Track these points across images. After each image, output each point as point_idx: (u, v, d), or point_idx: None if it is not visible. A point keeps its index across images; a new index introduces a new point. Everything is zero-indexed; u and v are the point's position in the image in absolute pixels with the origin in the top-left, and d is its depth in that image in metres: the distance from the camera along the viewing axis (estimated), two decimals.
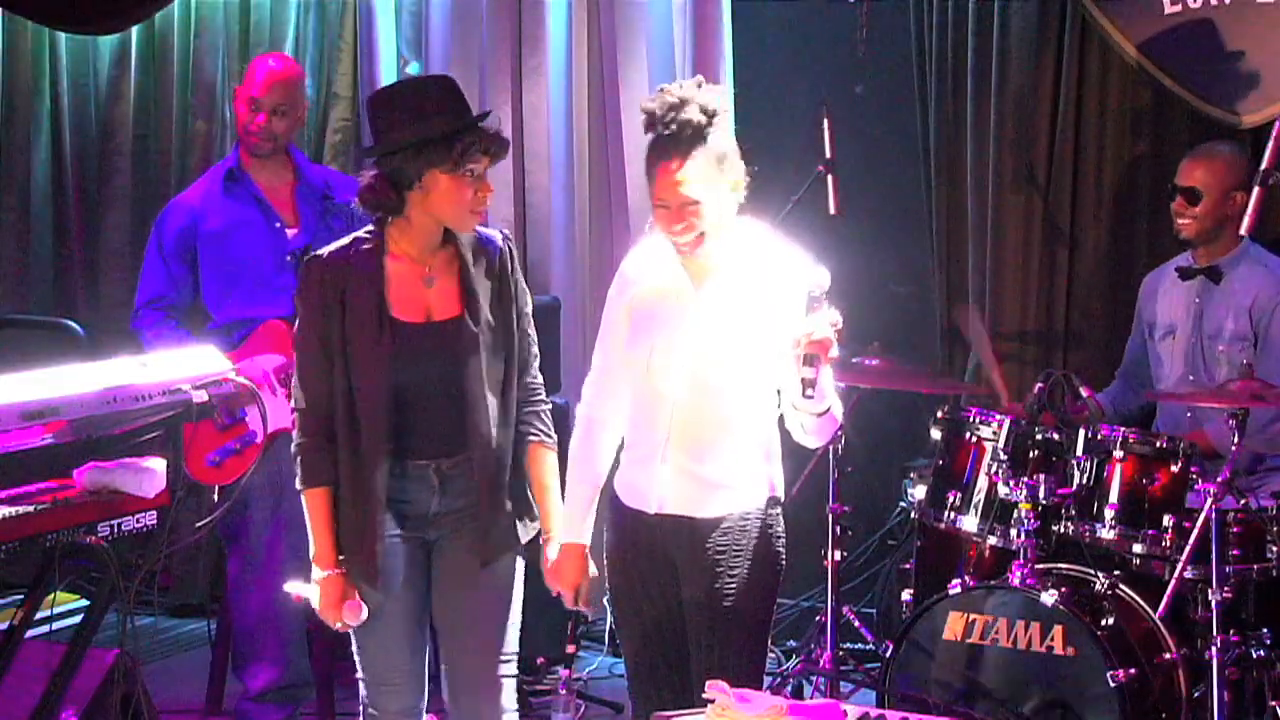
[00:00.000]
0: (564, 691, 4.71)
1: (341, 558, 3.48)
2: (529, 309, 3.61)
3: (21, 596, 3.50)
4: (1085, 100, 5.14)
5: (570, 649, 4.92)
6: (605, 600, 3.62)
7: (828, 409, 3.26)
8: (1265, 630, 4.26)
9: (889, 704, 4.31)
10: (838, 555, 4.76)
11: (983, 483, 4.45)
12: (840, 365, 3.37)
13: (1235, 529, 4.21)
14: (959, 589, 4.30)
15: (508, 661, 3.58)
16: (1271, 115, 4.57)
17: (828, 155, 5.00)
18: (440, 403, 3.46)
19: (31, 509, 3.21)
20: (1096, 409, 4.56)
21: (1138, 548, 4.27)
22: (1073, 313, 5.24)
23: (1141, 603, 4.28)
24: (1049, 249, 5.23)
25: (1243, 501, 4.18)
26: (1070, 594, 4.21)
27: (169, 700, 4.92)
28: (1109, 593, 4.28)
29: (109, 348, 4.58)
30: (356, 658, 3.58)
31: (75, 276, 6.35)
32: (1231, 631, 4.13)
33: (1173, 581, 4.19)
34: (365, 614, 3.47)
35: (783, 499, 3.48)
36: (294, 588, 3.71)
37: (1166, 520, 4.22)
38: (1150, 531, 4.24)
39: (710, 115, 3.26)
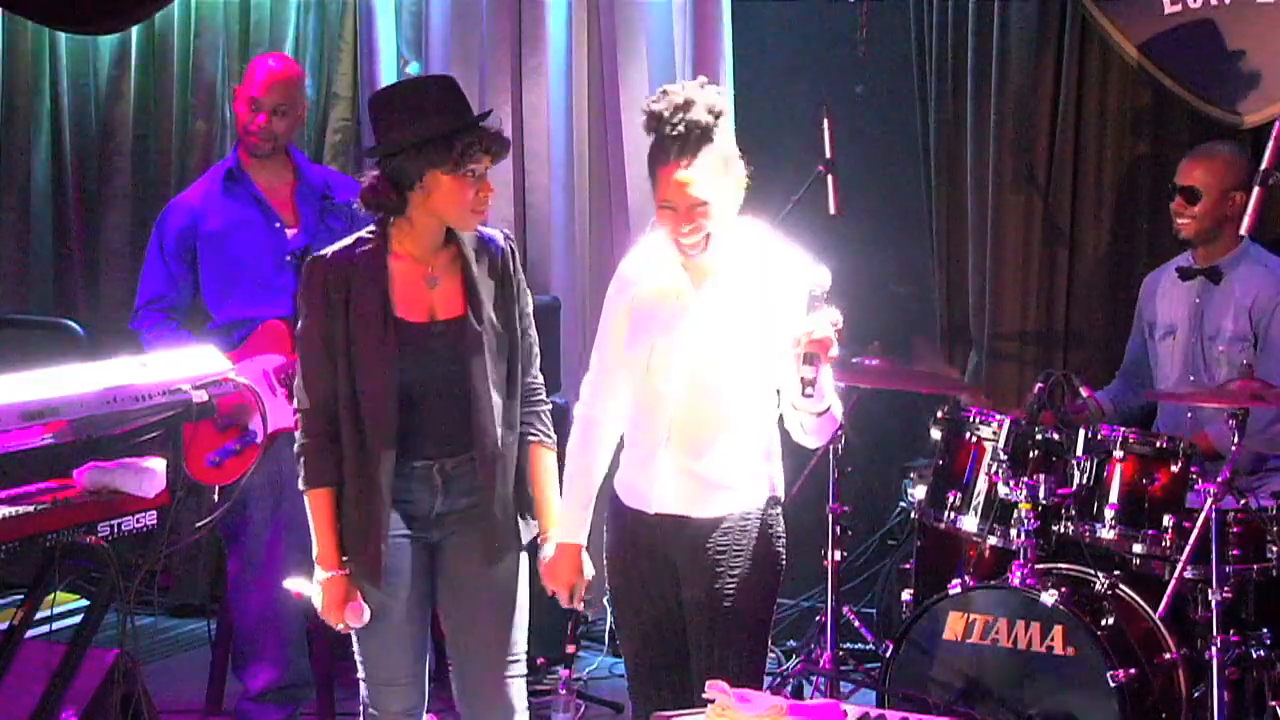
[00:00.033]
0: (564, 691, 4.72)
1: (345, 559, 3.48)
2: (530, 309, 3.61)
3: (21, 596, 3.49)
4: (1085, 100, 5.14)
5: (570, 649, 4.92)
6: (605, 600, 3.63)
7: (828, 408, 3.26)
8: (1265, 630, 4.26)
9: (889, 704, 4.31)
10: (838, 555, 4.76)
11: (983, 483, 4.45)
12: (840, 365, 3.36)
13: (1235, 529, 4.21)
14: (959, 589, 4.30)
15: (516, 661, 3.59)
16: (1272, 115, 4.57)
17: (828, 155, 5.00)
18: (444, 403, 3.46)
19: (31, 509, 3.21)
20: (1096, 409, 4.56)
21: (1138, 548, 4.27)
22: (1073, 313, 5.24)
23: (1141, 603, 4.28)
24: (1049, 249, 5.23)
25: (1243, 501, 4.19)
26: (1070, 594, 4.21)
27: (169, 700, 4.92)
28: (1109, 593, 4.28)
29: (109, 348, 4.58)
30: (358, 658, 3.58)
31: (75, 276, 6.35)
32: (1231, 631, 4.13)
33: (1173, 581, 4.19)
34: (368, 615, 3.47)
35: (783, 499, 3.48)
36: (294, 584, 3.71)
37: (1166, 520, 4.22)
38: (1150, 531, 4.25)
39: (717, 116, 3.26)
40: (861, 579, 5.55)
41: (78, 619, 3.60)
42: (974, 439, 4.50)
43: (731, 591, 3.37)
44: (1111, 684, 4.04)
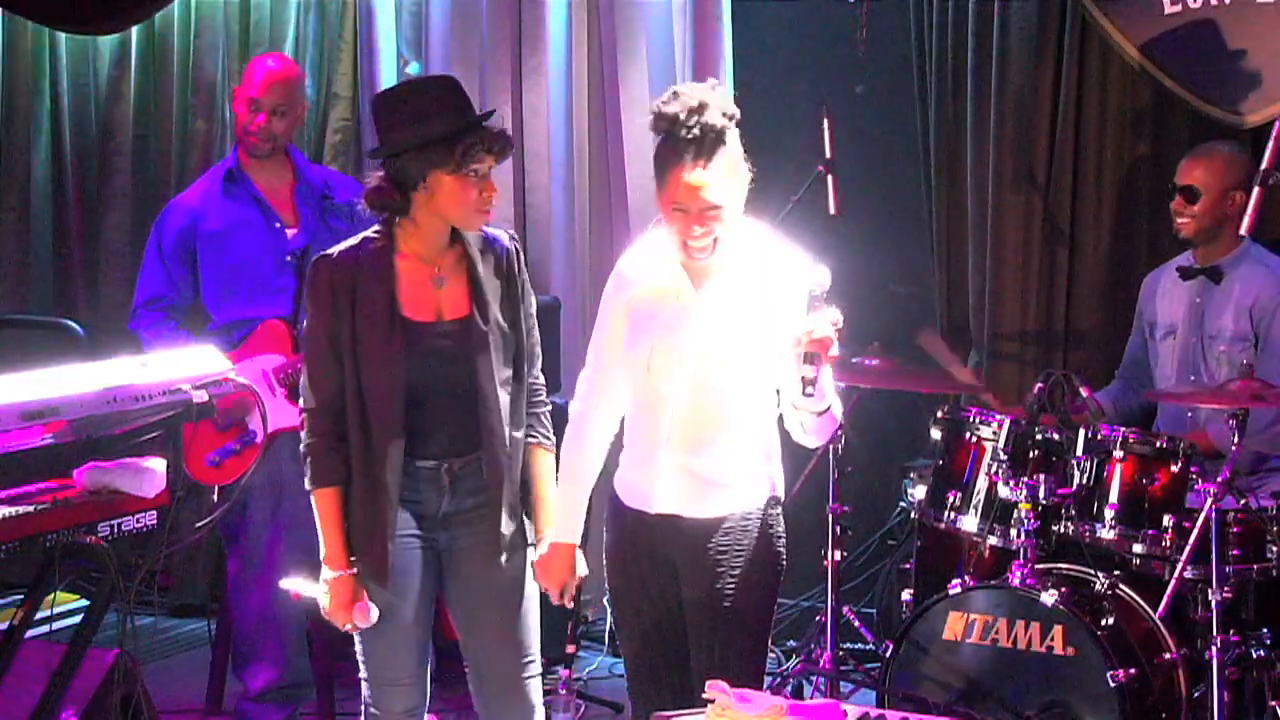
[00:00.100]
0: (564, 691, 4.72)
1: (352, 559, 3.48)
2: (534, 309, 3.62)
3: (21, 596, 3.50)
4: (1085, 100, 5.14)
5: (570, 649, 4.92)
6: (605, 600, 3.63)
7: (828, 408, 3.26)
8: (1265, 630, 4.26)
9: (889, 704, 4.31)
10: (838, 555, 4.76)
11: (983, 483, 4.45)
12: (840, 365, 3.36)
13: (1235, 529, 4.21)
14: (959, 589, 4.30)
15: (532, 661, 3.62)
16: (1272, 115, 4.57)
17: (828, 155, 5.00)
18: (451, 402, 3.47)
19: (31, 509, 3.21)
20: (1096, 409, 4.56)
21: (1138, 548, 4.27)
22: (1073, 313, 5.24)
23: (1141, 603, 4.28)
24: (1049, 249, 5.23)
25: (1243, 501, 4.18)
26: (1070, 594, 4.21)
27: (169, 700, 4.92)
28: (1109, 593, 4.28)
29: (109, 348, 4.58)
30: (360, 658, 3.58)
31: (75, 276, 6.35)
32: (1231, 631, 4.13)
33: (1173, 581, 4.19)
34: (375, 615, 3.47)
35: (783, 499, 3.48)
36: (292, 585, 3.71)
37: (1166, 520, 4.22)
38: (1150, 531, 4.24)
39: (730, 118, 3.26)
40: (861, 579, 5.55)
41: (78, 619, 3.60)
42: (974, 439, 4.50)
43: (732, 591, 3.37)
44: (1111, 684, 4.04)
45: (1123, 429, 4.36)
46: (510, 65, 5.69)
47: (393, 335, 3.42)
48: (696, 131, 3.21)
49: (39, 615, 3.50)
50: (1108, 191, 5.17)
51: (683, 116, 3.22)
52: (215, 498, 4.20)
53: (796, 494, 4.51)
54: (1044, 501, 4.27)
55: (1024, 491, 4.26)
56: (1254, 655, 4.21)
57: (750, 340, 3.33)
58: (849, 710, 3.07)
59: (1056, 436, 4.40)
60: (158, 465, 3.39)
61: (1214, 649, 4.06)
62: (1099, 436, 4.33)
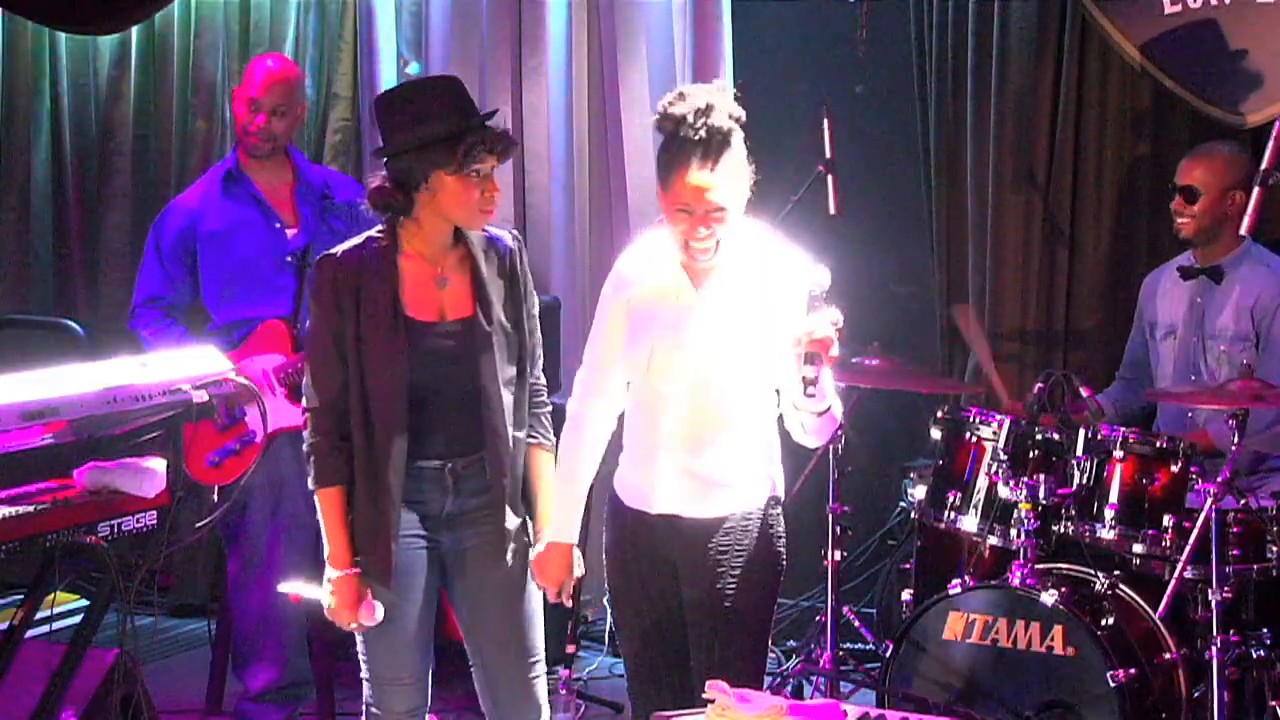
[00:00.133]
0: (564, 691, 4.72)
1: (356, 558, 3.48)
2: (536, 309, 3.62)
3: (21, 596, 3.50)
4: (1085, 100, 5.14)
5: (570, 649, 4.92)
6: (605, 600, 3.64)
7: (828, 408, 3.26)
8: (1265, 630, 4.26)
9: (889, 704, 4.31)
10: (838, 555, 4.76)
11: (983, 483, 4.45)
12: (840, 365, 3.36)
13: (1235, 529, 4.21)
14: (959, 589, 4.30)
15: (537, 660, 3.62)
16: (1273, 115, 4.57)
17: (828, 155, 5.00)
18: (454, 403, 3.47)
19: (31, 509, 3.21)
20: (1096, 409, 4.56)
21: (1138, 548, 4.27)
22: (1073, 313, 5.24)
23: (1141, 603, 4.28)
24: (1049, 249, 5.23)
25: (1243, 501, 4.18)
26: (1070, 594, 4.21)
27: (169, 700, 4.92)
28: (1109, 593, 4.28)
29: (109, 348, 4.58)
30: (362, 658, 3.58)
31: (75, 276, 6.35)
32: (1231, 631, 4.13)
33: (1173, 581, 4.19)
34: (381, 614, 3.46)
35: (783, 499, 3.48)
36: (290, 588, 3.71)
37: (1166, 520, 4.22)
38: (1150, 531, 4.24)
39: (736, 120, 3.26)
40: (861, 579, 5.55)
41: (78, 619, 3.60)
42: (974, 439, 4.50)
43: (732, 591, 3.37)
44: (1111, 684, 4.04)
45: (1123, 429, 4.36)
46: (510, 65, 5.69)
47: (396, 335, 3.42)
48: (703, 133, 3.21)
49: (39, 615, 3.50)
50: (1108, 191, 5.17)
51: (689, 118, 3.21)
52: (215, 498, 4.20)
53: (796, 494, 4.51)
54: (1044, 501, 4.27)
55: (1024, 491, 4.26)
56: (1254, 655, 4.21)
57: (750, 340, 3.33)
58: (849, 710, 3.07)
59: (1056, 436, 4.40)
60: (158, 465, 3.39)
61: (1214, 649, 4.06)
62: (1099, 436, 4.33)
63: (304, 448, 3.51)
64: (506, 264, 3.56)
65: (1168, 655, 4.22)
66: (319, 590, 3.53)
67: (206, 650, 5.15)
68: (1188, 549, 4.12)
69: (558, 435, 3.63)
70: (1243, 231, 4.17)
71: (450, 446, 3.49)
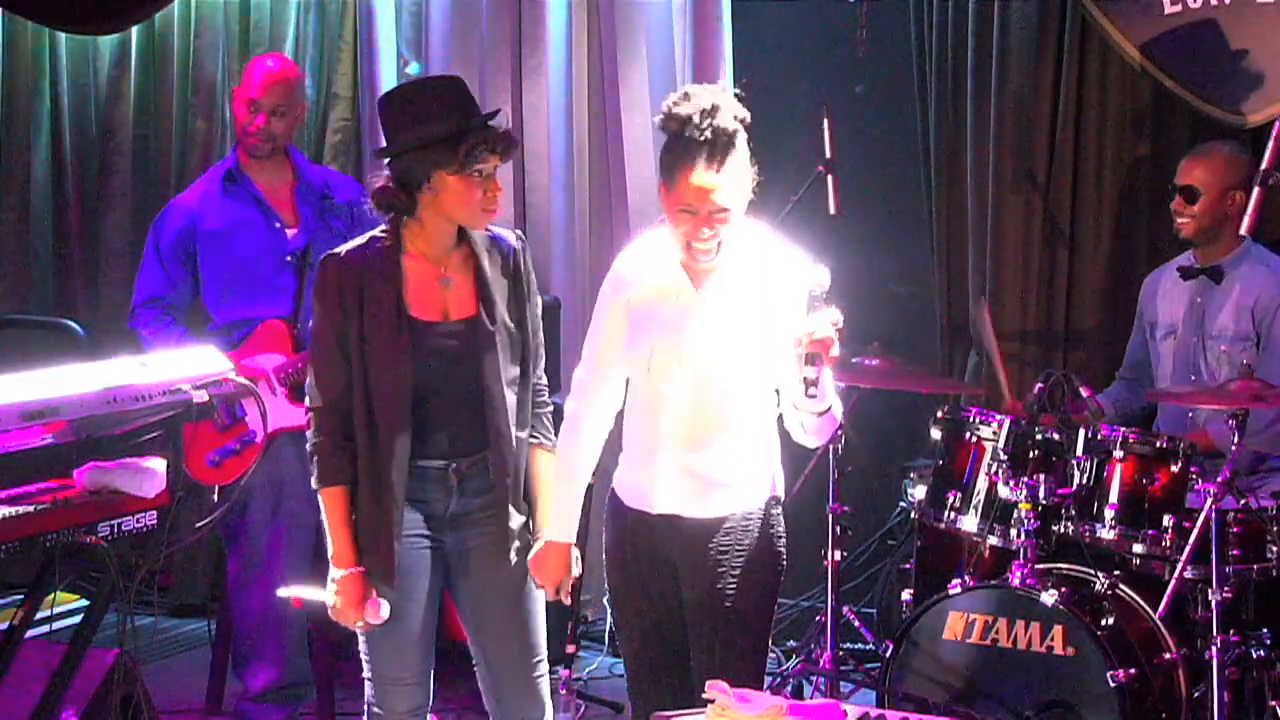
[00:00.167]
0: (564, 691, 4.72)
1: (361, 558, 3.48)
2: (540, 309, 3.62)
3: (21, 596, 3.50)
4: (1085, 100, 5.14)
5: (570, 649, 4.92)
6: (605, 600, 3.64)
7: (828, 409, 3.26)
8: (1265, 630, 4.26)
9: (889, 704, 4.31)
10: (838, 555, 4.76)
11: (983, 483, 4.45)
12: (840, 365, 3.37)
13: (1235, 529, 4.21)
14: (959, 589, 4.30)
15: (541, 660, 3.63)
16: (1273, 115, 4.57)
17: (828, 155, 5.00)
18: (457, 402, 3.48)
19: (31, 509, 3.21)
20: (1096, 409, 4.56)
21: (1138, 548, 4.27)
22: (1073, 313, 5.24)
23: (1141, 603, 4.28)
24: (1049, 249, 5.23)
25: (1243, 501, 4.18)
26: (1070, 594, 4.21)
27: (169, 700, 4.92)
28: (1109, 593, 4.28)
29: (109, 348, 4.58)
30: (365, 657, 3.58)
31: (75, 276, 6.35)
32: (1231, 631, 4.13)
33: (1173, 581, 4.19)
34: (387, 611, 3.46)
35: (783, 498, 3.48)
36: (291, 592, 3.70)
37: (1166, 520, 4.22)
38: (1150, 531, 4.24)
39: (740, 122, 3.26)
40: (861, 579, 5.55)
41: (78, 619, 3.60)
42: (974, 439, 4.50)
43: (733, 591, 3.37)
44: (1111, 684, 4.04)
45: (1123, 429, 4.36)
46: (510, 65, 5.69)
47: (400, 335, 3.43)
48: (709, 134, 3.21)
49: (39, 615, 3.50)
50: (1108, 191, 5.17)
51: (695, 118, 3.21)
52: (215, 498, 4.20)
53: (796, 494, 4.51)
54: (1044, 501, 4.27)
55: (1024, 491, 4.26)
56: (1254, 655, 4.21)
57: (751, 340, 3.33)
58: (849, 710, 3.07)
59: (1056, 436, 4.40)
60: (158, 465, 3.39)
61: (1214, 649, 4.06)
62: (1099, 436, 4.33)
63: (307, 447, 3.51)
64: (510, 263, 3.56)
65: (1168, 655, 4.22)
66: (322, 592, 3.52)
67: (206, 650, 5.15)
68: (1188, 549, 4.12)
69: (556, 434, 3.63)
70: (1243, 231, 4.17)
71: (454, 446, 3.50)
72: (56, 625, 3.50)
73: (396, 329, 3.43)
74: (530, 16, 5.65)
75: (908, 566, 4.84)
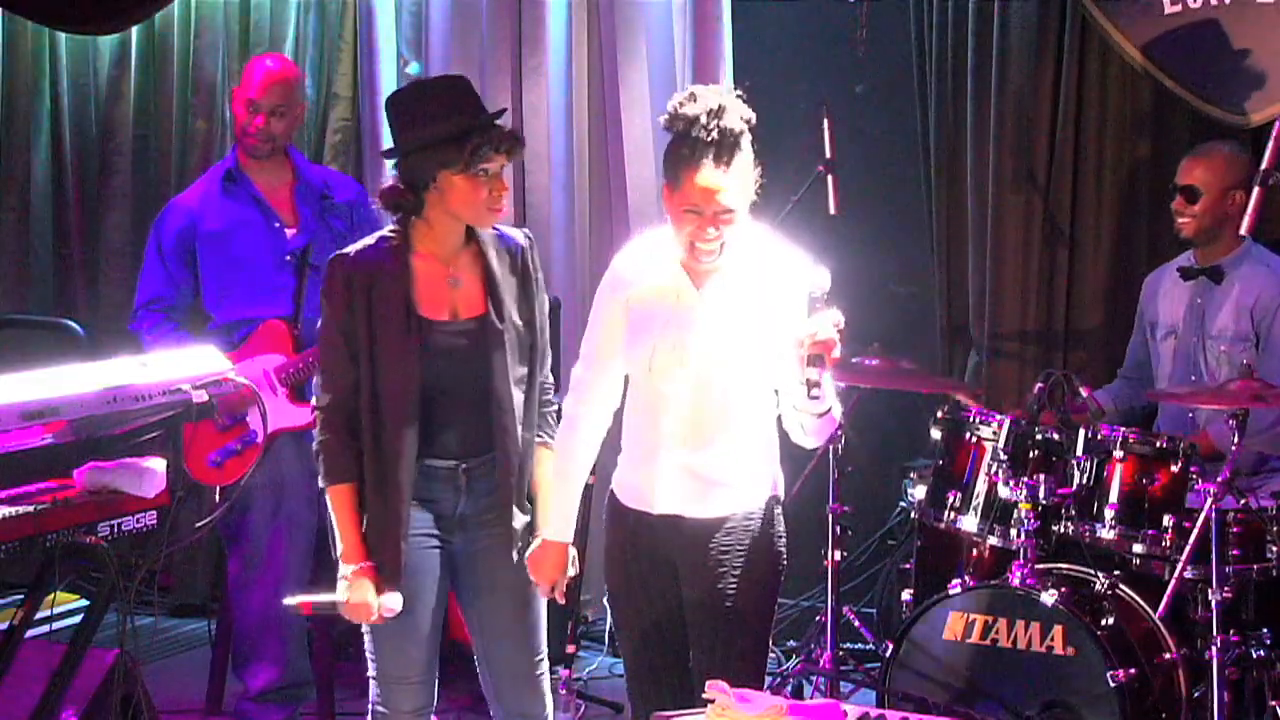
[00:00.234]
0: (564, 691, 4.72)
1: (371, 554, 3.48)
2: (547, 308, 3.63)
3: (21, 596, 3.50)
4: (1085, 100, 5.14)
5: (570, 649, 4.92)
6: (605, 600, 3.64)
7: (828, 410, 3.26)
8: (1265, 630, 4.26)
9: (889, 704, 4.31)
10: (838, 555, 4.76)
11: (983, 483, 4.45)
12: (840, 365, 3.37)
13: (1235, 529, 4.21)
14: (959, 589, 4.30)
15: (542, 659, 3.64)
16: (1274, 115, 4.57)
17: (828, 155, 5.00)
18: (466, 401, 3.48)
19: (31, 509, 3.21)
20: (1096, 409, 4.56)
21: (1138, 548, 4.27)
22: (1073, 313, 5.24)
23: (1141, 603, 4.28)
24: (1049, 249, 5.23)
25: (1243, 501, 4.18)
26: (1070, 594, 4.21)
27: (169, 700, 4.92)
28: (1109, 593, 4.28)
29: (109, 348, 4.58)
30: (370, 656, 3.58)
31: (75, 276, 6.35)
32: (1231, 631, 4.13)
33: (1173, 581, 4.19)
34: (400, 602, 3.45)
35: (783, 498, 3.48)
36: (298, 599, 3.68)
37: (1166, 520, 4.22)
38: (1150, 531, 4.24)
39: (746, 123, 3.26)
40: (861, 579, 5.55)
41: (78, 619, 3.60)
42: (974, 439, 4.50)
43: (733, 591, 3.37)
44: (1111, 684, 4.04)
45: (1123, 429, 4.36)
46: (510, 65, 5.69)
47: (409, 334, 3.43)
48: (715, 134, 3.21)
49: (39, 615, 3.50)
50: (1108, 192, 5.17)
51: (702, 119, 3.22)
52: (216, 498, 4.20)
53: (796, 494, 4.51)
54: (1044, 501, 4.27)
55: (1024, 491, 4.26)
56: (1254, 655, 4.21)
57: (752, 341, 3.32)
58: (849, 710, 3.07)
59: (1056, 436, 4.40)
60: (158, 465, 3.39)
61: (1214, 649, 4.06)
62: (1099, 436, 4.33)
63: (314, 446, 3.51)
64: (518, 262, 3.57)
65: (1168, 655, 4.22)
66: (331, 595, 3.51)
67: (206, 650, 5.15)
68: (1188, 549, 4.11)
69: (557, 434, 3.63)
70: (1243, 231, 4.17)
71: (463, 446, 3.50)
72: (56, 625, 3.50)
73: (405, 328, 3.43)
74: (530, 16, 5.65)
75: (908, 566, 4.84)
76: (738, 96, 3.30)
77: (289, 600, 3.66)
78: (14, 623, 3.47)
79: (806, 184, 5.00)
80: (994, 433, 4.43)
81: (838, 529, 4.75)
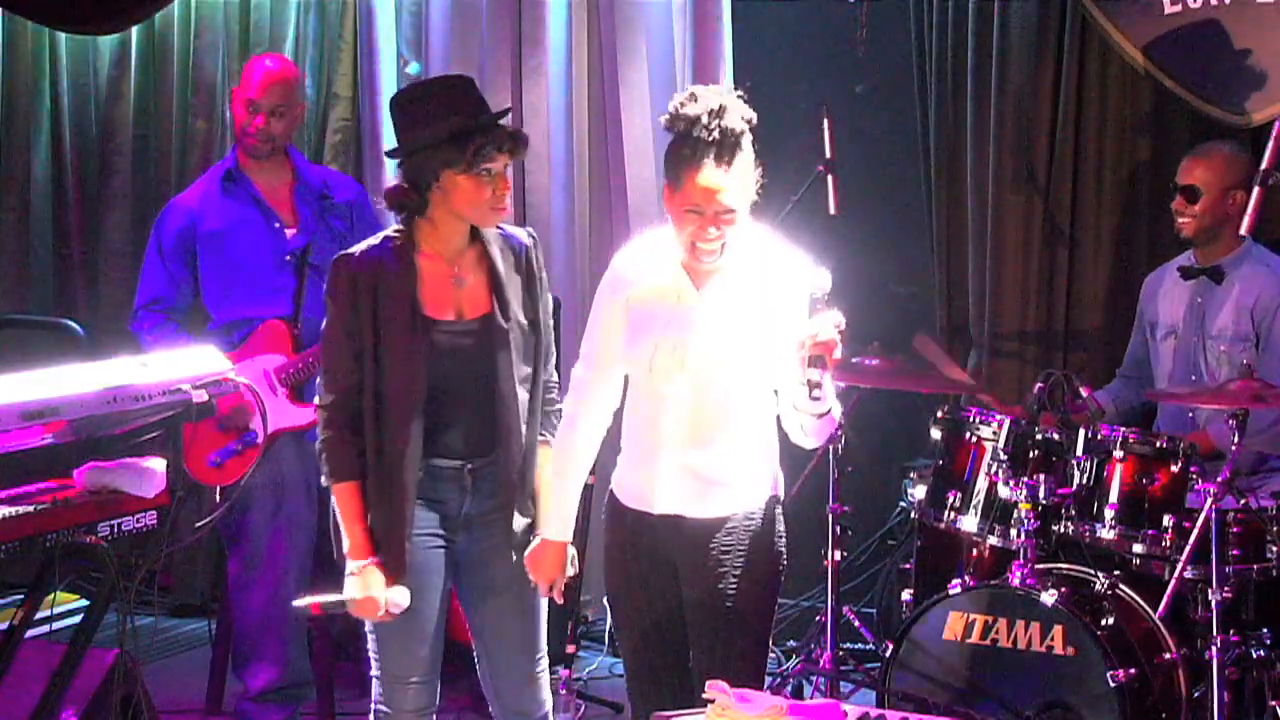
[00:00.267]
0: (564, 691, 4.72)
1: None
2: (551, 307, 3.63)
3: (21, 596, 3.50)
4: (1085, 100, 5.14)
5: (570, 649, 4.92)
6: (605, 600, 3.64)
7: (828, 410, 3.26)
8: (1265, 630, 4.26)
9: (889, 704, 4.31)
10: (838, 555, 4.76)
11: (983, 483, 4.45)
12: (840, 365, 3.37)
13: (1235, 529, 4.21)
14: (959, 589, 4.30)
15: (542, 657, 3.65)
16: (1275, 115, 4.57)
17: (828, 155, 5.00)
18: (471, 401, 3.49)
19: (31, 509, 3.21)
20: (1096, 409, 4.56)
21: (1138, 548, 4.27)
22: (1073, 313, 5.24)
23: (1141, 603, 4.28)
24: (1049, 249, 5.23)
25: (1243, 501, 4.18)
26: (1070, 594, 4.21)
27: (169, 700, 4.92)
28: (1109, 593, 4.28)
29: (109, 348, 4.58)
30: (374, 655, 3.58)
31: (75, 276, 6.35)
32: (1231, 631, 4.13)
33: (1173, 581, 4.19)
34: (407, 597, 3.45)
35: (783, 498, 3.48)
36: (306, 601, 3.67)
37: (1166, 520, 4.22)
38: (1150, 531, 4.24)
39: (748, 123, 3.26)
40: (861, 579, 5.55)
41: (78, 619, 3.60)
42: (974, 439, 4.50)
43: (734, 591, 3.37)
44: (1111, 684, 4.04)
45: (1123, 429, 4.36)
46: (510, 65, 5.69)
47: (414, 334, 3.43)
48: (717, 134, 3.21)
49: (39, 615, 3.50)
50: (1108, 192, 5.17)
51: (704, 119, 3.21)
52: (216, 498, 4.20)
53: (796, 494, 4.51)
54: (1044, 501, 4.27)
55: (1024, 491, 4.26)
56: (1254, 655, 4.21)
57: (752, 341, 3.32)
58: (849, 710, 3.07)
59: (1056, 436, 4.40)
60: (158, 465, 3.39)
61: (1214, 649, 4.06)
62: (1099, 436, 4.33)
63: (317, 444, 3.51)
64: (523, 261, 3.58)
65: (1168, 655, 4.22)
66: (338, 594, 3.50)
67: (206, 650, 5.15)
68: (1188, 549, 4.11)
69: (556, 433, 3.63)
70: (1243, 231, 4.17)
71: (468, 445, 3.51)
72: (56, 625, 3.51)
73: (410, 328, 3.43)
74: (530, 16, 5.65)
75: (908, 566, 4.84)
76: (738, 96, 3.30)
77: (297, 603, 3.66)
78: (14, 623, 3.47)
79: (806, 184, 5.00)
80: (994, 433, 4.43)
81: (838, 529, 4.75)
